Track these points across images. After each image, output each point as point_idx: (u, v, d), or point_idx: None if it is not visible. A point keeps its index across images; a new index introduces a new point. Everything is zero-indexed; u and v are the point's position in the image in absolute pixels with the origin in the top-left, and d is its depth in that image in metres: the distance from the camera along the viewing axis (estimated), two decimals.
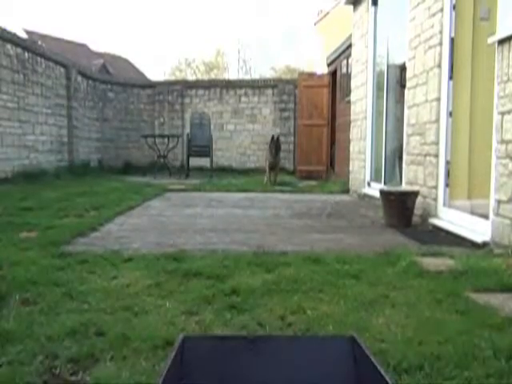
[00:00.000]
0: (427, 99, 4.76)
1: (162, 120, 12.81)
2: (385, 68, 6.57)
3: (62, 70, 9.95)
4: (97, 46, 29.57)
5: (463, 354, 1.70)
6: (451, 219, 4.34)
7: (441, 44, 4.52)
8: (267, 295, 2.35)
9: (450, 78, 4.44)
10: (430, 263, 2.96)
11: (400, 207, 4.61)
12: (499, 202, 3.43)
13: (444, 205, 4.53)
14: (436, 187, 4.61)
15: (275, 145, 8.83)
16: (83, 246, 3.48)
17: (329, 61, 11.66)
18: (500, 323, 2.00)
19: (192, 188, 8.18)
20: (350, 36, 8.23)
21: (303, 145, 11.31)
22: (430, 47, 4.69)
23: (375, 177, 6.83)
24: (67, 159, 10.11)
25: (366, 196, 6.83)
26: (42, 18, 53.21)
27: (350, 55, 8.44)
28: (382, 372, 1.15)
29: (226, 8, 61.36)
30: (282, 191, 7.97)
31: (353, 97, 7.78)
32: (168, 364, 1.20)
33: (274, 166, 8.95)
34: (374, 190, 6.21)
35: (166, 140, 11.31)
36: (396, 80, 6.16)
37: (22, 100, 8.27)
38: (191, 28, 59.59)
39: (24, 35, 15.18)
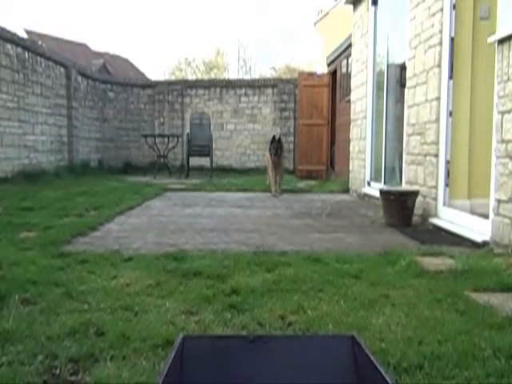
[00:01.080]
0: (427, 99, 4.75)
1: (161, 120, 12.82)
2: (385, 67, 6.57)
3: (62, 69, 9.95)
4: (97, 46, 29.59)
5: (463, 353, 1.69)
6: (451, 219, 4.34)
7: (441, 43, 4.52)
8: (267, 295, 2.35)
9: (450, 77, 4.44)
10: (430, 263, 2.96)
11: (400, 207, 4.61)
12: (499, 201, 3.43)
13: (444, 204, 4.53)
14: (436, 187, 4.61)
15: (276, 146, 7.67)
16: (83, 246, 3.48)
17: (329, 60, 11.66)
18: (500, 323, 1.99)
19: (192, 188, 8.19)
20: (350, 36, 8.23)
21: (303, 144, 11.31)
22: (430, 47, 4.69)
23: (375, 176, 6.83)
24: (67, 159, 10.12)
25: (365, 196, 6.83)
26: (42, 18, 53.23)
27: (349, 55, 8.43)
28: (382, 371, 1.15)
29: (226, 8, 61.37)
30: (281, 191, 7.95)
31: (353, 96, 7.78)
32: (168, 364, 1.20)
33: (277, 165, 7.72)
34: (374, 189, 6.21)
35: (165, 140, 11.32)
36: (396, 79, 6.16)
37: (22, 100, 8.27)
38: (191, 28, 59.62)
39: (24, 35, 15.17)
